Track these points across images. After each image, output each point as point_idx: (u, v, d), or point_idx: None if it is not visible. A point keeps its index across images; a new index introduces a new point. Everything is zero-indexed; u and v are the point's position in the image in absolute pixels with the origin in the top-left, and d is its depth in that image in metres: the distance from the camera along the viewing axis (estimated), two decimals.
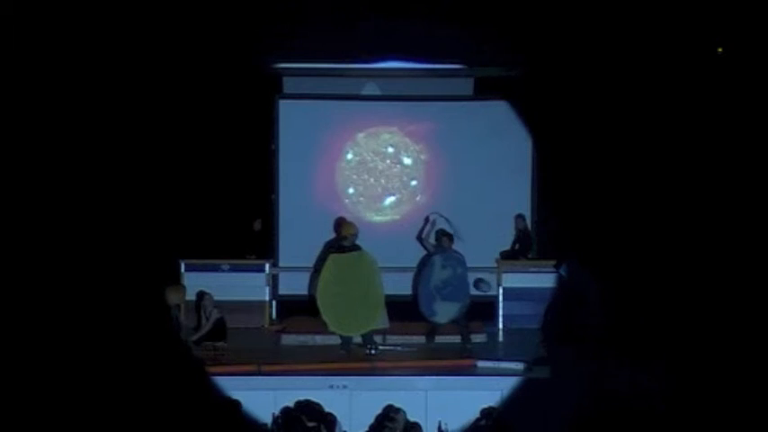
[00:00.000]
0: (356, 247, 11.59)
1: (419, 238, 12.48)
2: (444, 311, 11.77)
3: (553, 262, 12.98)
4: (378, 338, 11.66)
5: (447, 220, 12.25)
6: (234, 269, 13.33)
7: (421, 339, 12.02)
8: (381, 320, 11.70)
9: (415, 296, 12.09)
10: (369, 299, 11.42)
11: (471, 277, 12.14)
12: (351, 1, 11.66)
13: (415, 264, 13.03)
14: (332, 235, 13.59)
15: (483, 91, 14.25)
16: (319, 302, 11.49)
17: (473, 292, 12.13)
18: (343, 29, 11.87)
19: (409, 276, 12.91)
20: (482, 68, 13.83)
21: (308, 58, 13.31)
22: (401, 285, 12.99)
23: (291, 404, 9.73)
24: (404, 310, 12.05)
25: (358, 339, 11.61)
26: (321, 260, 12.22)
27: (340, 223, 12.35)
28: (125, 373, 9.32)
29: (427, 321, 11.91)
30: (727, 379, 9.45)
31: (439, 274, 11.77)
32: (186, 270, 13.25)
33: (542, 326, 12.69)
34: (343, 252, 11.57)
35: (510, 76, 13.60)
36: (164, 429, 8.84)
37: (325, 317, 11.48)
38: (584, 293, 11.96)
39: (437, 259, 11.82)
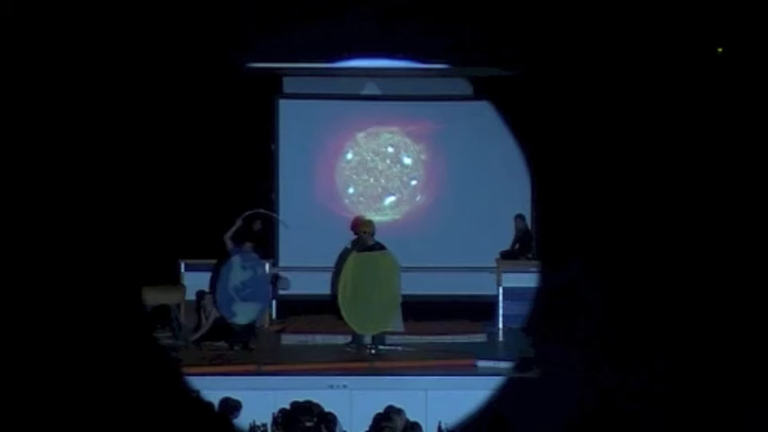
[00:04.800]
0: (380, 247, 11.60)
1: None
2: (244, 312, 11.77)
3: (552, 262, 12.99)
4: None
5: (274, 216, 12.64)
6: None
7: (421, 339, 12.03)
8: (395, 323, 11.73)
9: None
10: (384, 299, 11.45)
11: None
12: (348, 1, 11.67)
13: (416, 264, 13.03)
14: (332, 235, 13.61)
15: (483, 91, 14.25)
16: (339, 299, 11.53)
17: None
18: (340, 28, 11.87)
19: (409, 277, 12.81)
20: (482, 69, 13.81)
21: (308, 58, 13.31)
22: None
23: (291, 404, 9.72)
24: (404, 311, 12.03)
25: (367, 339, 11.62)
26: (342, 259, 12.24)
27: (356, 222, 12.34)
28: (125, 374, 9.32)
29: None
30: (719, 379, 9.46)
31: (239, 274, 11.78)
32: (186, 270, 13.26)
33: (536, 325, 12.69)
34: (366, 251, 11.58)
35: (509, 77, 13.58)
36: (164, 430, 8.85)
37: (343, 313, 11.50)
38: (580, 293, 11.96)
39: (236, 260, 11.82)
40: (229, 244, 11.86)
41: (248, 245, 11.95)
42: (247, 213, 12.32)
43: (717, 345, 10.03)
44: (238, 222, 12.02)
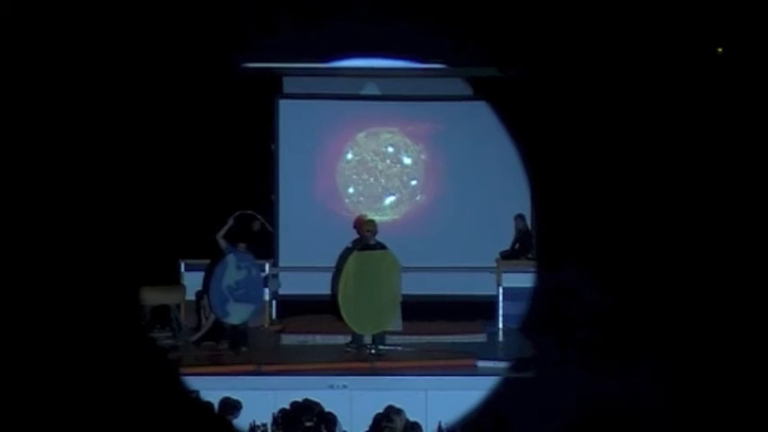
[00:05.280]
0: (381, 246, 11.61)
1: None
2: (237, 313, 11.68)
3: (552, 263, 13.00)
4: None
5: (261, 220, 12.60)
6: None
7: (421, 339, 12.02)
8: (395, 322, 11.73)
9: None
10: (384, 299, 11.45)
11: None
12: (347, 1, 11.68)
13: (416, 264, 13.00)
14: (332, 235, 13.61)
15: (482, 91, 14.24)
16: (339, 298, 11.51)
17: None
18: (340, 28, 11.87)
19: (409, 277, 12.80)
20: (481, 69, 13.81)
21: (308, 58, 13.31)
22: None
23: (291, 404, 9.73)
24: (404, 311, 12.03)
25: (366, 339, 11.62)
26: (343, 258, 12.24)
27: (359, 221, 12.35)
28: (124, 374, 9.32)
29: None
30: (717, 380, 9.46)
31: (233, 274, 11.69)
32: (186, 270, 13.26)
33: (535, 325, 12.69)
34: (367, 250, 11.59)
35: (509, 77, 13.58)
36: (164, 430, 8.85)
37: (342, 313, 11.49)
38: (576, 293, 11.96)
39: (231, 259, 11.72)
40: (222, 243, 11.83)
41: (242, 245, 11.89)
42: (237, 213, 12.29)
43: (715, 345, 10.03)
44: (230, 222, 11.99)
